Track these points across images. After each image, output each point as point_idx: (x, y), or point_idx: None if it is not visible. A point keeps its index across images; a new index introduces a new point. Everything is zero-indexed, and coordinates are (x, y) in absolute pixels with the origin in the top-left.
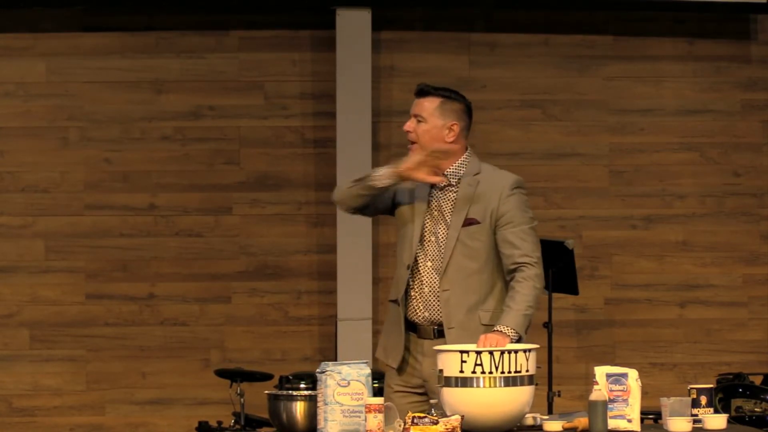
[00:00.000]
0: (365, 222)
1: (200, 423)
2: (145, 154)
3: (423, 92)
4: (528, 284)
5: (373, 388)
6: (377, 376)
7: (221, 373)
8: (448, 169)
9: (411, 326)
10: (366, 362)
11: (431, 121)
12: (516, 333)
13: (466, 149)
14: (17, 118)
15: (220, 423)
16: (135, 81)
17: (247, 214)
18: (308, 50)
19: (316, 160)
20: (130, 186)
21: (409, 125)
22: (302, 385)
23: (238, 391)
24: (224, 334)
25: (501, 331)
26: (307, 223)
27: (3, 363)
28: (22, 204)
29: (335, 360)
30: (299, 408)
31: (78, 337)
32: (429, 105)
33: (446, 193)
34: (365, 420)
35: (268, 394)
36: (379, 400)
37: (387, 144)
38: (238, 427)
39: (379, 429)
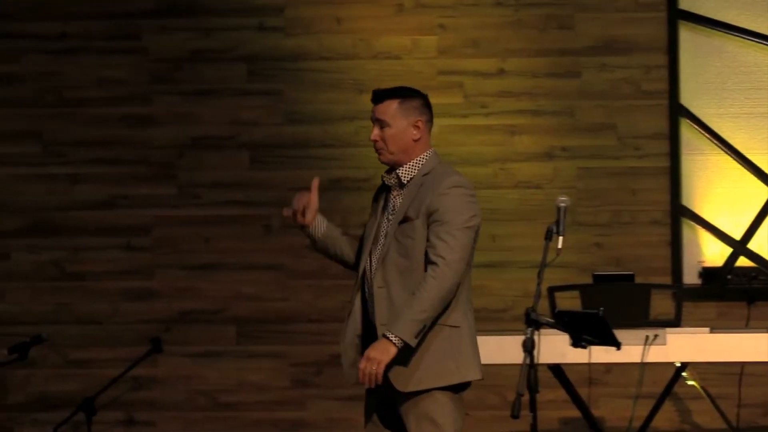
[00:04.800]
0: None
1: None
2: None
3: (379, 97)
4: (427, 286)
5: None
6: None
7: None
8: (400, 169)
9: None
10: None
11: (395, 123)
12: (401, 341)
13: (428, 148)
14: None
15: None
16: None
17: None
18: None
19: None
20: None
21: (375, 134)
22: None
23: None
24: None
25: (388, 338)
26: None
27: None
28: None
29: None
30: None
31: None
32: (389, 108)
33: (397, 193)
34: None
35: None
36: None
37: None
38: None
39: None
